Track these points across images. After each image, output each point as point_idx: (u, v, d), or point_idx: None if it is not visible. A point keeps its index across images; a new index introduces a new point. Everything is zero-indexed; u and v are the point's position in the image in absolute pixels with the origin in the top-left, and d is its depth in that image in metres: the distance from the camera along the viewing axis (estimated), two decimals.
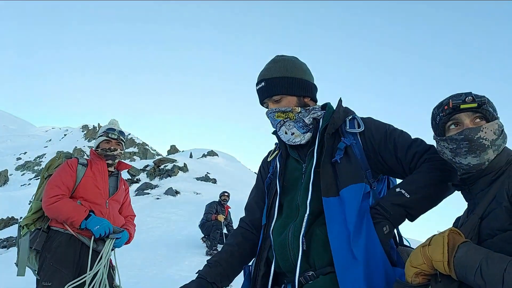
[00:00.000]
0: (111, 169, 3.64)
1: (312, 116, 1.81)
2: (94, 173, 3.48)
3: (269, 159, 2.00)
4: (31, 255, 3.18)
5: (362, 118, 1.80)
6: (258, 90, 1.87)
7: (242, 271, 1.86)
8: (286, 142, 1.84)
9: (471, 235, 1.31)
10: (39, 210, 3.31)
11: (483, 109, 1.44)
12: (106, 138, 3.60)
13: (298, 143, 1.80)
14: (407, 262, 1.32)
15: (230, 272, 1.83)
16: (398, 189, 1.59)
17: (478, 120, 1.45)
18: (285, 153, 1.87)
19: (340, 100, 1.85)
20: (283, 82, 1.81)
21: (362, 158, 1.70)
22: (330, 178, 1.64)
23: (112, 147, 3.58)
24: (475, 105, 1.44)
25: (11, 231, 16.76)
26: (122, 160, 3.76)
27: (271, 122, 1.86)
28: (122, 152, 3.67)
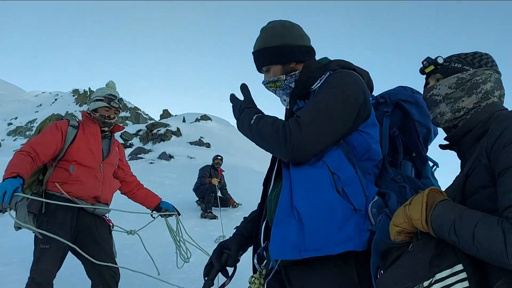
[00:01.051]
0: (104, 130, 3.55)
1: (293, 81, 1.81)
2: (87, 136, 3.41)
3: None
4: (29, 218, 3.10)
5: (337, 74, 1.69)
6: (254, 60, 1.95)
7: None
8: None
9: (455, 193, 1.33)
10: (32, 174, 3.26)
11: (443, 67, 1.48)
12: (107, 105, 3.49)
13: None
14: (391, 221, 1.35)
15: None
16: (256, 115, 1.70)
17: (438, 79, 1.51)
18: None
19: (327, 58, 1.88)
20: (265, 53, 1.85)
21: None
22: None
23: (111, 115, 3.51)
24: (431, 67, 1.50)
25: None
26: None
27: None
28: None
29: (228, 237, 1.93)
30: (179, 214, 3.86)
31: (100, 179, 3.38)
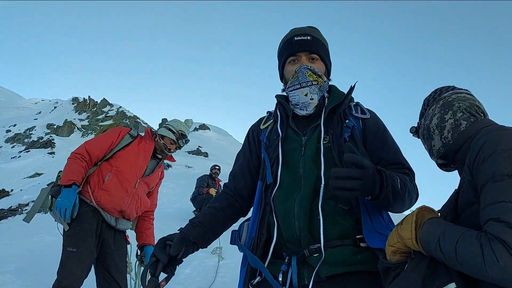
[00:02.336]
0: (157, 153, 3.63)
1: (325, 90, 1.82)
2: (139, 149, 3.46)
3: (262, 127, 1.95)
4: (48, 200, 3.21)
5: (366, 108, 1.84)
6: (297, 42, 1.80)
7: (231, 236, 1.82)
8: (295, 105, 1.80)
9: (447, 211, 1.35)
10: None
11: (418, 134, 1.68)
12: (174, 140, 3.56)
13: (307, 112, 1.78)
14: (386, 242, 1.37)
15: (211, 235, 1.80)
16: (396, 176, 1.56)
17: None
18: (286, 122, 1.82)
19: (355, 85, 1.83)
20: (324, 48, 1.85)
21: (360, 142, 1.71)
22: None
23: (172, 149, 3.61)
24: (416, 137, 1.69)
25: (2, 204, 16.74)
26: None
27: (298, 78, 1.75)
28: None
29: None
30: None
31: (131, 194, 3.38)
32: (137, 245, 3.71)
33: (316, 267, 1.49)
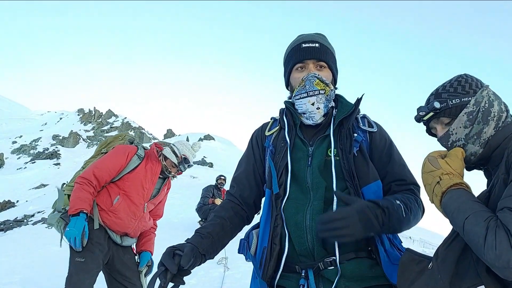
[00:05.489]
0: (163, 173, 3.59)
1: (332, 99, 1.77)
2: (147, 171, 3.42)
3: (267, 133, 1.89)
4: (57, 223, 3.20)
5: (373, 121, 1.82)
6: (305, 49, 1.76)
7: (239, 245, 1.79)
8: (302, 114, 1.76)
9: None
10: None
11: (442, 112, 1.46)
12: (176, 164, 3.52)
13: (313, 121, 1.73)
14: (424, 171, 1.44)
15: (219, 246, 1.75)
16: (398, 202, 1.53)
17: (446, 123, 1.47)
18: (294, 130, 1.77)
19: (362, 97, 1.79)
20: (332, 55, 1.80)
21: (367, 157, 1.68)
22: (364, 167, 1.63)
23: (173, 173, 3.56)
24: (430, 114, 1.48)
25: (8, 215, 16.80)
26: None
27: (305, 86, 1.72)
28: None
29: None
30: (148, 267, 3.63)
31: (138, 218, 3.38)
32: (136, 251, 3.67)
33: (333, 280, 1.47)
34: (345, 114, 1.72)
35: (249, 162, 1.92)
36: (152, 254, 3.63)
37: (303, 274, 1.55)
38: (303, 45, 1.77)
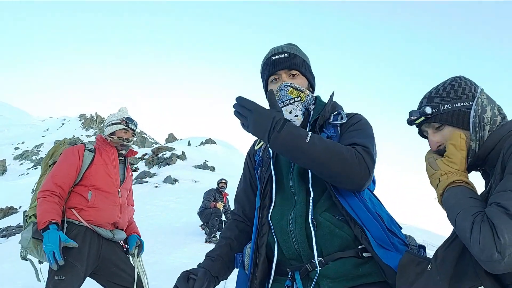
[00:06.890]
0: (122, 153, 3.55)
1: (311, 103, 1.80)
2: (105, 160, 3.36)
3: (256, 147, 1.98)
4: (33, 245, 3.02)
5: (348, 113, 1.81)
6: (276, 60, 1.81)
7: (235, 259, 1.82)
8: None
9: None
10: None
11: (432, 118, 1.47)
12: (125, 128, 3.49)
13: None
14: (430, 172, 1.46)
15: (230, 265, 1.82)
16: (309, 132, 1.54)
17: (437, 127, 1.48)
18: None
19: (333, 94, 1.84)
20: (304, 62, 1.84)
21: None
22: None
23: (129, 138, 3.51)
24: (421, 119, 1.49)
25: (11, 221, 16.82)
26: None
27: (280, 97, 1.74)
28: None
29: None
30: (138, 248, 3.58)
31: (119, 204, 3.34)
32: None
33: (318, 281, 1.51)
34: (317, 115, 1.76)
35: (246, 178, 2.02)
36: (139, 235, 3.60)
37: (289, 276, 1.60)
38: (273, 57, 1.83)
